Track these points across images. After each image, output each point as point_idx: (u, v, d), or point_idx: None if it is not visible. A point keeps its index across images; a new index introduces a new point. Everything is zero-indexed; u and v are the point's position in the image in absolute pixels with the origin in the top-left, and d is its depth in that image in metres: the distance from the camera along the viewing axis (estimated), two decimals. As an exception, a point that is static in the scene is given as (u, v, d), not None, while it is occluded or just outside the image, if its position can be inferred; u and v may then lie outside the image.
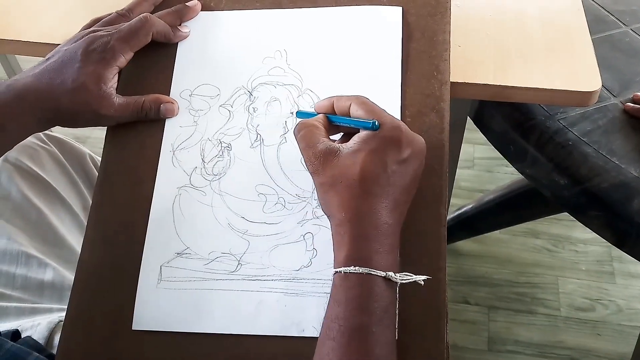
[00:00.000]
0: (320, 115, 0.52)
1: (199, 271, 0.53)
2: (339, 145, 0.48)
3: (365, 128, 0.48)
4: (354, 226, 0.45)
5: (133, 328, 0.51)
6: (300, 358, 0.48)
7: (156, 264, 0.53)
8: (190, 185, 0.56)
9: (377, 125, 0.47)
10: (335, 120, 0.51)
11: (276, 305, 0.51)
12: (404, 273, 0.46)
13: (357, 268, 0.44)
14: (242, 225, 0.54)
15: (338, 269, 0.45)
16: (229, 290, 0.52)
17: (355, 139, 0.48)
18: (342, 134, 0.53)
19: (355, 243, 0.45)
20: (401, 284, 0.45)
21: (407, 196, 0.48)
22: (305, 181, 0.54)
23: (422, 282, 0.47)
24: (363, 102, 0.50)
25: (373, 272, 0.44)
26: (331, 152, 0.48)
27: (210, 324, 0.51)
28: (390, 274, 0.44)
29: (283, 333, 0.50)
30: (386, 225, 0.46)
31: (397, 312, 0.46)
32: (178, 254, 0.53)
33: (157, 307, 0.52)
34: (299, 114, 0.56)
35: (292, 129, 0.52)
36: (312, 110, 0.55)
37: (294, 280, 0.51)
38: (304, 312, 0.50)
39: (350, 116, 0.50)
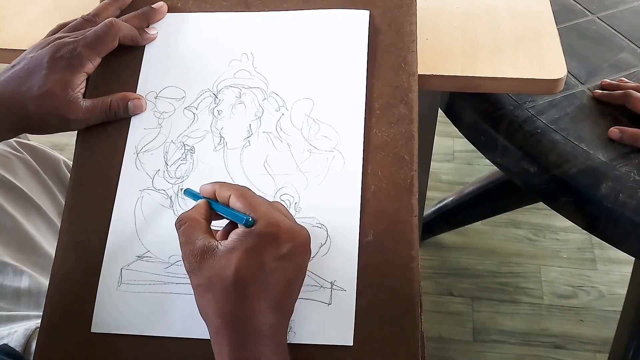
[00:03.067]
0: (202, 203, 0.49)
1: (159, 274, 0.53)
2: (217, 242, 0.45)
3: (240, 223, 0.46)
4: (231, 334, 0.43)
5: (92, 331, 0.51)
6: None
7: (117, 266, 0.53)
8: (153, 188, 0.56)
9: (250, 221, 0.44)
10: (216, 209, 0.49)
11: None
12: None
13: None
14: None
15: None
16: (189, 294, 0.51)
17: (232, 235, 0.45)
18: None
19: (235, 352, 0.43)
20: None
21: (290, 293, 0.46)
22: (268, 185, 0.55)
23: None
24: (242, 194, 0.47)
25: None
26: (208, 251, 0.44)
27: (170, 327, 0.51)
28: None
29: None
30: (268, 326, 0.43)
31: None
32: (139, 257, 0.53)
33: (117, 310, 0.52)
34: (186, 192, 0.53)
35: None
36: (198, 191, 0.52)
37: None
38: None
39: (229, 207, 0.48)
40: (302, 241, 0.46)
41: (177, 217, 0.48)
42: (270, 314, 0.44)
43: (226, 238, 0.46)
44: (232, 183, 0.51)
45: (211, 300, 0.44)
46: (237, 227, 0.46)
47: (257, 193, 0.54)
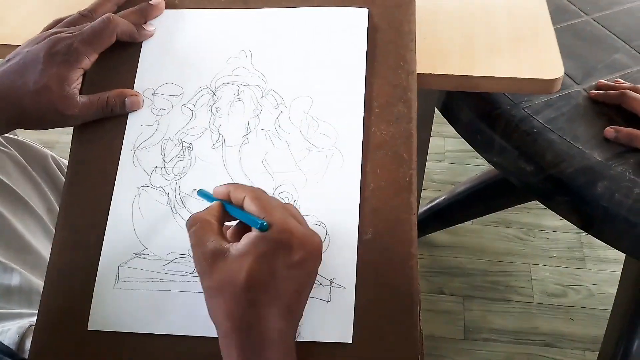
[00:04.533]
0: (215, 205, 0.48)
1: (156, 272, 0.52)
2: (228, 245, 0.45)
3: (254, 227, 0.45)
4: (240, 338, 0.43)
5: (89, 328, 0.51)
6: None
7: (114, 264, 0.53)
8: (150, 185, 0.55)
9: (265, 225, 0.44)
10: (229, 211, 0.48)
11: None
12: None
13: None
14: None
15: None
16: (186, 291, 0.51)
17: (245, 239, 0.45)
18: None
19: (243, 357, 0.43)
20: None
21: (300, 299, 0.46)
22: (266, 183, 0.54)
23: None
24: (257, 196, 0.46)
25: None
26: (220, 254, 0.44)
27: (168, 325, 0.50)
28: None
29: None
30: (277, 331, 0.44)
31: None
32: (136, 254, 0.53)
33: (114, 308, 0.51)
34: (200, 193, 0.53)
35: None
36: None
37: None
38: None
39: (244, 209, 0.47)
40: (314, 249, 0.46)
41: (188, 217, 0.48)
42: (279, 320, 0.44)
43: (237, 238, 0.46)
44: (247, 185, 0.50)
45: (221, 303, 0.44)
46: (249, 227, 0.46)
47: None
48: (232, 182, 0.55)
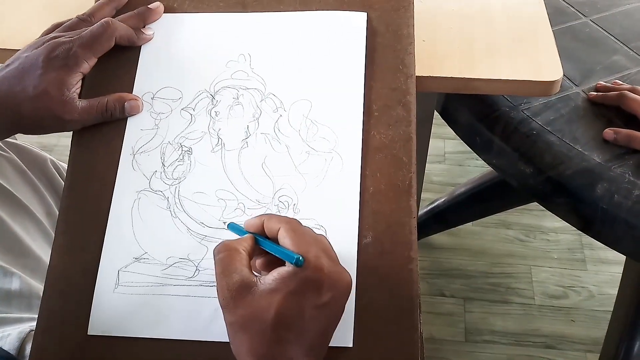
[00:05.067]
0: (248, 237, 0.47)
1: (156, 276, 0.52)
2: (256, 279, 0.44)
3: (289, 262, 0.44)
4: None
5: (89, 333, 0.51)
6: None
7: (114, 268, 0.53)
8: (150, 189, 0.55)
9: (301, 261, 0.43)
10: (262, 245, 0.47)
11: None
12: None
13: None
14: (201, 230, 0.54)
15: None
16: (186, 296, 0.51)
17: (275, 274, 0.44)
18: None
19: None
20: None
21: (324, 340, 0.45)
22: (266, 187, 0.54)
23: None
24: (293, 229, 0.46)
25: None
26: (246, 287, 0.43)
27: (168, 329, 0.50)
28: None
29: None
30: None
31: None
32: (136, 258, 0.53)
33: (114, 312, 0.51)
34: (230, 226, 0.52)
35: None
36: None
37: None
38: None
39: (277, 241, 0.46)
40: (343, 289, 0.45)
41: (216, 245, 0.47)
42: (302, 358, 0.43)
43: (265, 269, 0.45)
44: (282, 215, 0.49)
45: (245, 340, 0.43)
46: (277, 259, 0.45)
47: (255, 195, 0.54)
48: (233, 185, 0.55)
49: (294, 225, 0.46)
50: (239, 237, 0.49)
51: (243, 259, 0.45)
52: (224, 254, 0.45)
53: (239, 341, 0.43)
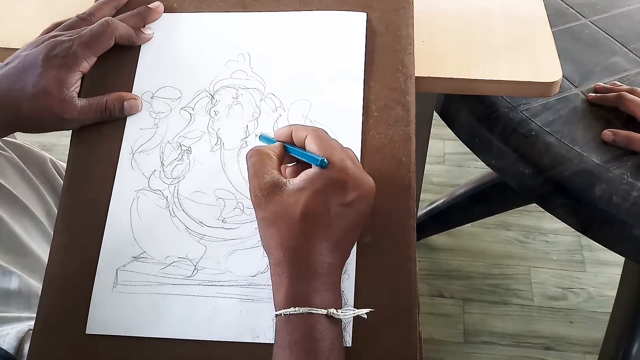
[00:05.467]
0: (278, 144, 0.51)
1: (155, 275, 0.52)
2: (285, 180, 0.47)
3: (314, 164, 0.47)
4: (292, 266, 0.45)
5: (87, 332, 0.51)
6: None
7: (112, 267, 0.53)
8: (149, 189, 0.55)
9: (325, 163, 0.46)
10: (290, 151, 0.51)
11: (232, 311, 0.51)
12: (346, 308, 0.47)
13: (297, 309, 0.44)
14: (200, 229, 0.54)
15: (278, 312, 0.45)
16: (185, 295, 0.51)
17: (302, 175, 0.47)
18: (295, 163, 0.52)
19: (293, 283, 0.45)
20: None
21: (350, 237, 0.48)
22: None
23: (365, 316, 0.47)
24: (319, 136, 0.49)
25: (314, 311, 0.44)
26: (276, 187, 0.46)
27: (166, 328, 0.51)
28: (332, 311, 0.45)
29: (238, 339, 0.50)
30: (326, 264, 0.46)
31: (344, 343, 0.47)
32: (134, 257, 0.53)
33: (113, 311, 0.51)
34: (261, 137, 0.54)
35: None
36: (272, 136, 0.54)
37: (250, 286, 0.51)
38: (259, 318, 0.50)
39: (305, 148, 0.49)
40: (367, 192, 0.48)
41: (248, 150, 0.49)
42: (329, 254, 0.46)
43: (294, 176, 0.47)
44: (309, 125, 0.52)
45: (275, 233, 0.46)
46: (306, 167, 0.48)
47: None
48: (232, 184, 0.55)
49: (320, 133, 0.49)
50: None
51: (274, 162, 0.48)
52: (256, 158, 0.48)
53: (269, 235, 0.46)
